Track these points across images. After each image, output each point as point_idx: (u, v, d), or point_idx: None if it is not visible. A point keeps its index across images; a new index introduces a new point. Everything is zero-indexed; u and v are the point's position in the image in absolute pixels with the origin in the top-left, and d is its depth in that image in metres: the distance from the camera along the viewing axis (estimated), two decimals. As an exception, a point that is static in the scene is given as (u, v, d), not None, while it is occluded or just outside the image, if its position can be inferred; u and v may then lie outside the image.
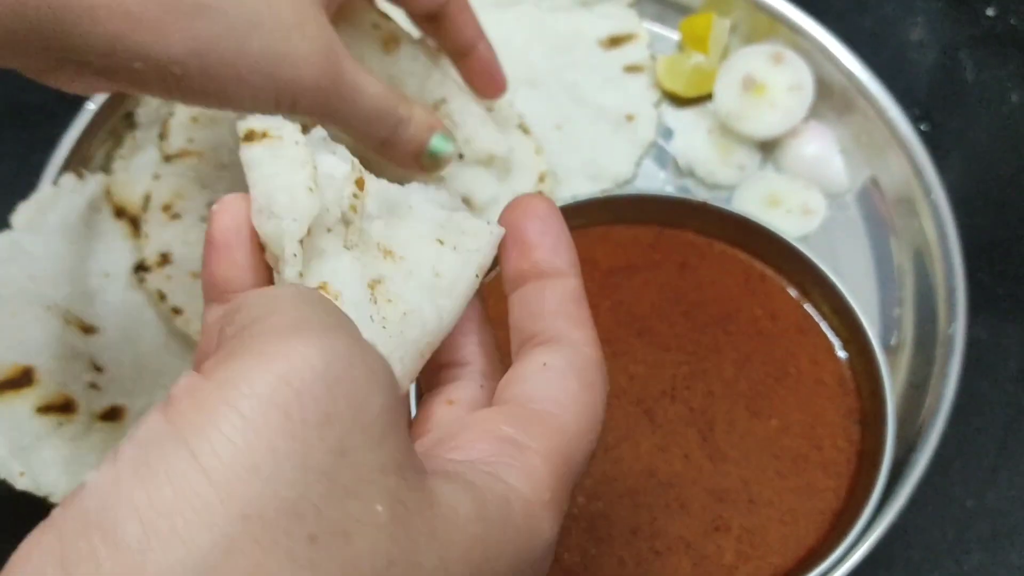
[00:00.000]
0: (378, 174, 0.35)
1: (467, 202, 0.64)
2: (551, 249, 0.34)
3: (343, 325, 0.26)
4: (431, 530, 0.23)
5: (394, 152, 0.51)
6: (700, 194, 0.70)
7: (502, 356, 0.35)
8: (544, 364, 0.31)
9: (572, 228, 0.64)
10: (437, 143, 0.52)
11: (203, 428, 0.21)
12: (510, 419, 0.29)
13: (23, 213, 0.60)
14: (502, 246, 0.35)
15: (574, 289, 0.34)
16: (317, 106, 0.45)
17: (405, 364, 0.31)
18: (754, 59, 0.70)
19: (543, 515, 0.27)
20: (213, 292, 0.31)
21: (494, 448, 0.28)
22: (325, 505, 0.21)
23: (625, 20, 0.74)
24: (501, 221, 0.35)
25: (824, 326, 0.59)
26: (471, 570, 0.24)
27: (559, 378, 0.30)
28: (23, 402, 0.55)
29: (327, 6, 0.47)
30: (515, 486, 0.27)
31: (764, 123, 0.69)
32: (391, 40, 0.57)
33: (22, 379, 0.55)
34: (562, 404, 0.30)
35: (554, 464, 0.28)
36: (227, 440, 0.21)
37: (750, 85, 0.69)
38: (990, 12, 0.81)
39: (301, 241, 0.29)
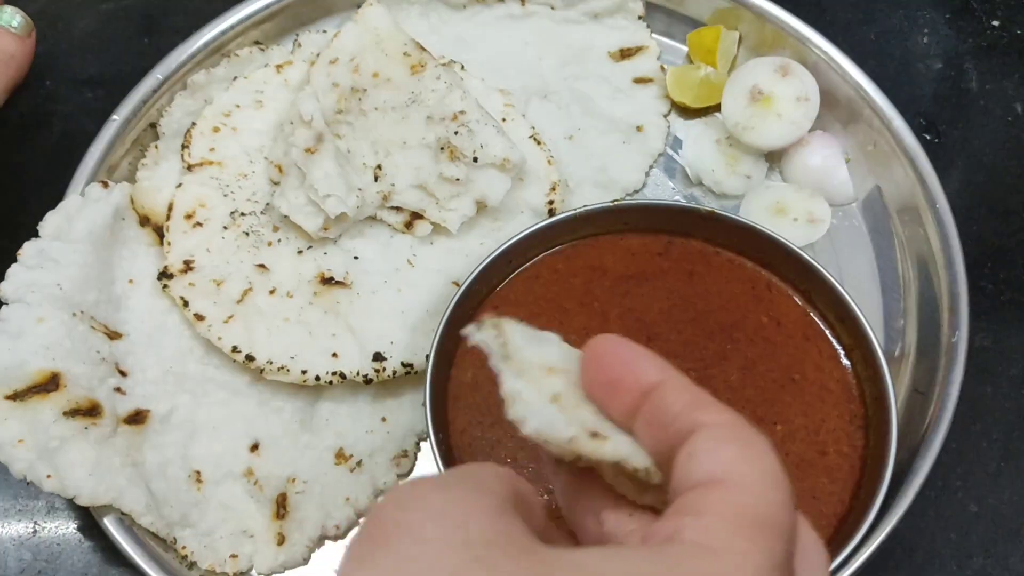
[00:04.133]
0: None
1: (481, 204, 0.66)
2: (641, 370, 0.36)
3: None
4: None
5: None
6: (708, 203, 0.71)
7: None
8: (690, 454, 0.33)
9: (582, 237, 0.67)
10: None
11: None
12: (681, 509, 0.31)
13: (51, 222, 0.62)
14: (599, 398, 0.36)
15: (679, 388, 0.35)
16: None
17: None
18: (761, 71, 0.72)
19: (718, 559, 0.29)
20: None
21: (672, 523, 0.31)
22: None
23: (635, 32, 0.76)
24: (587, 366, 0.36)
25: (829, 333, 0.60)
26: None
27: (714, 455, 0.32)
28: (50, 406, 0.56)
29: None
30: (686, 537, 0.30)
31: (771, 133, 0.71)
32: (418, 64, 0.68)
33: (49, 384, 0.57)
34: (728, 471, 0.32)
35: (732, 523, 0.30)
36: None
37: (757, 96, 0.71)
38: (995, 23, 0.82)
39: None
